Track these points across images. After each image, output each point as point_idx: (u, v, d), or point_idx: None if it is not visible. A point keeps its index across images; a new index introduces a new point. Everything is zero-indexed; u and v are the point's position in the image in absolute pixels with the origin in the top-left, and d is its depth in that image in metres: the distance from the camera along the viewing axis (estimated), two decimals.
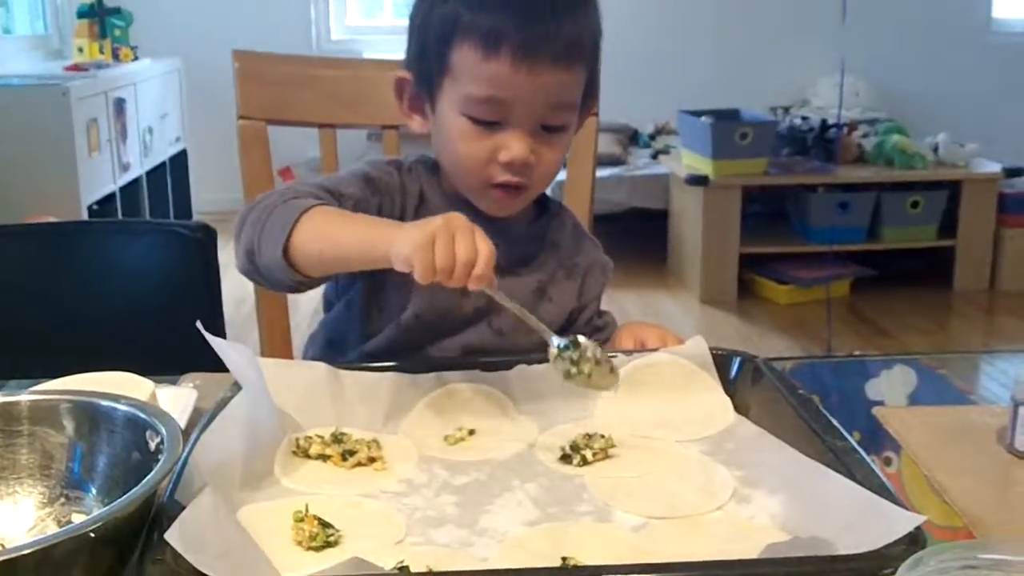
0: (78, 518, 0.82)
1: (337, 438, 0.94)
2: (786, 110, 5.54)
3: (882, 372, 1.30)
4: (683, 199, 4.64)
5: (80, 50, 4.96)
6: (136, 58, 5.12)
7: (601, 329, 1.31)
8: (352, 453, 0.92)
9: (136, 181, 4.71)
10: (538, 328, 1.00)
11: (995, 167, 4.49)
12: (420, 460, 0.94)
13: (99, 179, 4.25)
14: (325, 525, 0.80)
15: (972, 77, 5.75)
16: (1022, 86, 5.73)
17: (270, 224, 1.06)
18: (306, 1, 5.82)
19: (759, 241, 4.48)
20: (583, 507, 0.86)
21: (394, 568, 0.72)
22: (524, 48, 1.08)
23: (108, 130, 4.34)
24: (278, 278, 1.08)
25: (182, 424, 0.92)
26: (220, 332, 1.32)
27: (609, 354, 1.08)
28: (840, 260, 4.41)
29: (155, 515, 0.74)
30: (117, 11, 5.16)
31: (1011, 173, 4.46)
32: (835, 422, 0.88)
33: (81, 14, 5.06)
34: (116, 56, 5.02)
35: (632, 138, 5.54)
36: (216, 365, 1.04)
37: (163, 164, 5.12)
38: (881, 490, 0.76)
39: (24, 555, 0.65)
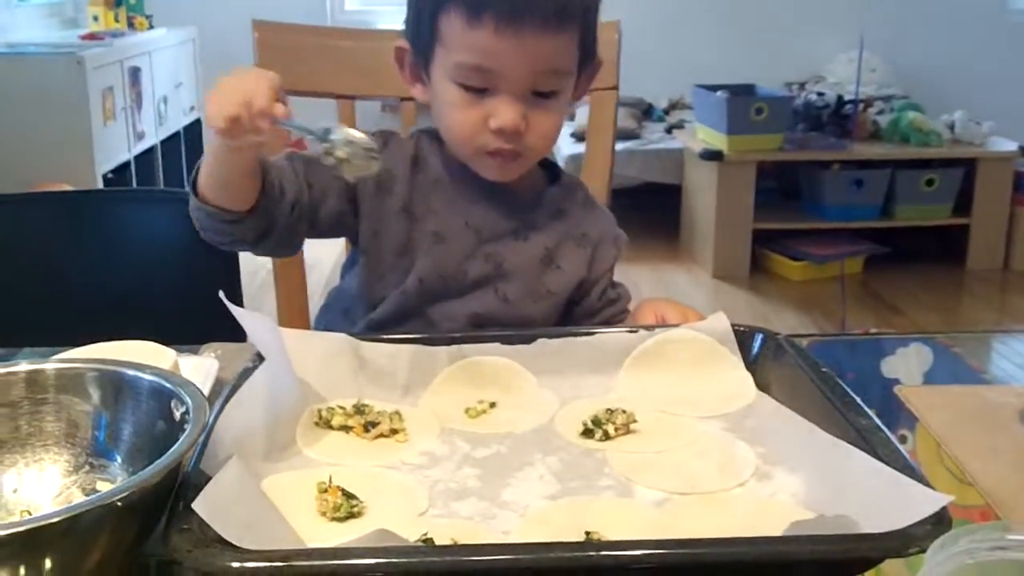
0: (103, 486, 0.83)
1: (359, 409, 0.95)
2: (801, 86, 5.51)
3: (898, 350, 1.30)
4: (697, 174, 4.63)
5: (95, 18, 4.95)
6: (151, 27, 5.11)
7: (615, 301, 1.31)
8: (374, 424, 0.92)
9: (151, 150, 4.71)
10: (304, 127, 1.01)
11: (1011, 146, 4.47)
12: (441, 432, 0.94)
13: (114, 148, 4.25)
14: (349, 496, 0.80)
15: (989, 55, 5.70)
16: None
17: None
18: None
19: (772, 217, 4.47)
20: (604, 482, 0.86)
21: (418, 540, 0.73)
22: (507, 15, 1.08)
23: (123, 99, 4.33)
24: (204, 224, 1.11)
25: (204, 393, 0.92)
26: (238, 301, 1.33)
27: (628, 327, 1.08)
28: (853, 237, 4.40)
29: (180, 484, 0.74)
30: None
31: None
32: (858, 400, 0.88)
33: None
34: (131, 25, 5.01)
35: (646, 112, 5.51)
36: (233, 334, 1.04)
37: (177, 133, 5.12)
38: (905, 469, 0.75)
39: (52, 523, 0.65)
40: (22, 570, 0.66)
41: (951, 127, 4.54)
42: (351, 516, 0.79)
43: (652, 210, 5.03)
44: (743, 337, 1.05)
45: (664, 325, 1.08)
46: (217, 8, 5.47)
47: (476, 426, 0.96)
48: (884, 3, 5.17)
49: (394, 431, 0.93)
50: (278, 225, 1.13)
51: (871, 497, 0.75)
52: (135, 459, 0.82)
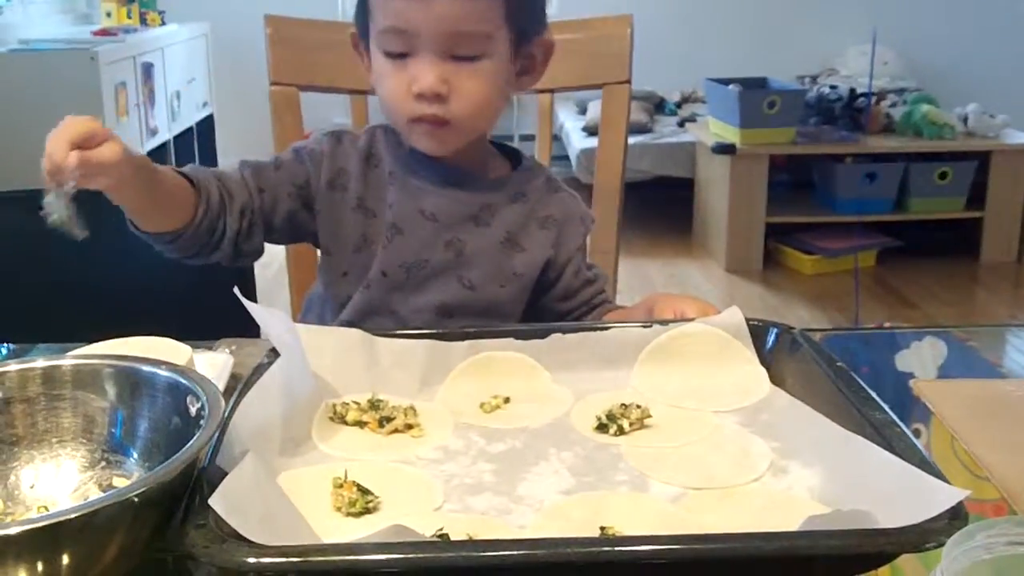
0: (119, 482, 0.83)
1: (374, 404, 0.95)
2: (814, 79, 5.49)
3: (912, 344, 1.30)
4: (709, 167, 4.62)
5: (108, 14, 4.97)
6: (163, 23, 5.13)
7: (592, 281, 1.31)
8: (389, 420, 0.93)
9: (164, 145, 4.72)
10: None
11: None
12: (456, 427, 0.94)
13: (127, 143, 4.25)
14: (364, 491, 0.80)
15: (1003, 47, 5.68)
16: None
17: None
18: None
19: (785, 210, 4.46)
20: (619, 476, 0.86)
21: (434, 535, 0.73)
22: None
23: (136, 94, 4.35)
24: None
25: (219, 389, 0.93)
26: (251, 296, 1.33)
27: (645, 323, 1.07)
28: (867, 231, 4.38)
29: (196, 480, 0.74)
30: None
31: None
32: (873, 394, 0.88)
33: None
34: (143, 20, 5.03)
35: (658, 106, 5.51)
36: (248, 329, 1.05)
37: (190, 129, 5.14)
38: (922, 464, 0.75)
39: (69, 519, 0.65)
40: (39, 566, 0.66)
41: (964, 120, 4.52)
42: (366, 511, 0.79)
43: (664, 204, 5.03)
44: (757, 331, 1.05)
45: (680, 320, 1.08)
46: (229, 3, 5.48)
47: (491, 421, 0.96)
48: None
49: (409, 426, 0.93)
50: (228, 233, 1.16)
51: (887, 492, 0.74)
52: (151, 455, 0.83)
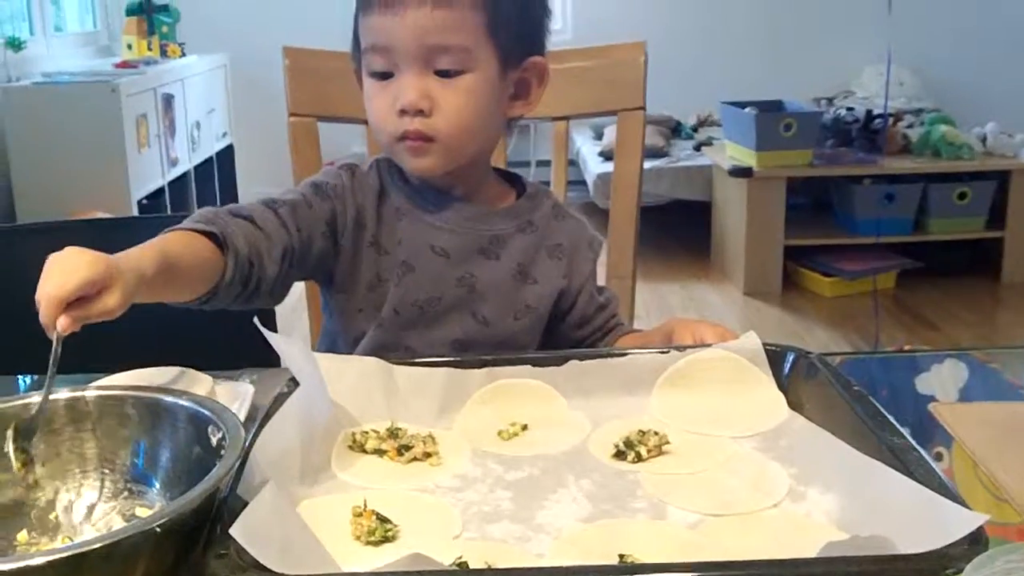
0: (141, 511, 0.84)
1: (393, 433, 0.95)
2: (830, 101, 5.50)
3: (932, 366, 1.29)
4: (726, 191, 4.62)
5: (129, 47, 5.03)
6: (183, 54, 5.18)
7: (605, 306, 1.31)
8: (408, 448, 0.93)
9: (184, 176, 4.77)
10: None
11: None
12: (474, 455, 0.95)
13: (148, 174, 4.30)
14: (383, 520, 0.80)
15: (1020, 66, 5.66)
16: None
17: None
18: None
19: (803, 233, 4.45)
20: (638, 503, 0.86)
21: (453, 564, 0.73)
22: None
23: (157, 125, 4.39)
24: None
25: (240, 419, 0.94)
26: (271, 326, 1.34)
27: (662, 348, 1.07)
28: (886, 252, 4.37)
29: (217, 509, 0.75)
30: (165, 8, 5.22)
31: None
32: (891, 419, 0.88)
33: (130, 11, 5.13)
34: (164, 52, 5.09)
35: (674, 130, 5.52)
36: (268, 358, 1.05)
37: (210, 159, 5.19)
38: (940, 488, 0.75)
39: (92, 549, 0.66)
40: None
41: (983, 139, 4.51)
42: (386, 540, 0.79)
43: (682, 227, 5.03)
44: (775, 356, 1.05)
45: (699, 345, 1.08)
46: (248, 35, 5.53)
47: (509, 448, 0.96)
48: (912, 16, 5.15)
49: (427, 454, 0.94)
50: (266, 279, 1.11)
51: (906, 517, 0.74)
52: (173, 485, 0.83)
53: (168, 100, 4.57)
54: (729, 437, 0.97)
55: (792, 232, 4.40)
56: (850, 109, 4.81)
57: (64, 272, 0.84)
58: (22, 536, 0.83)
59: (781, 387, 1.03)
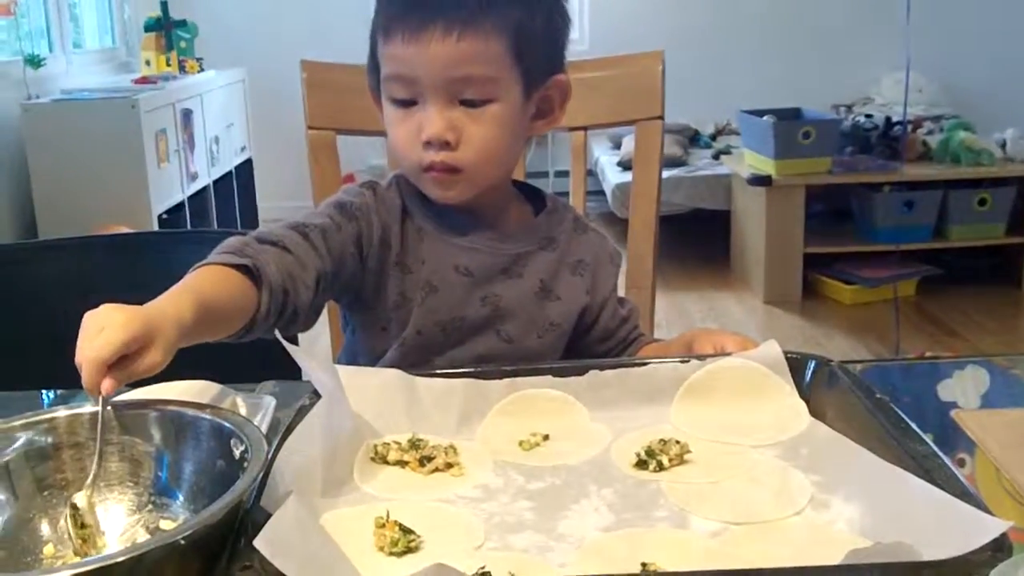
0: (166, 524, 0.85)
1: (414, 444, 0.95)
2: (849, 108, 5.48)
3: (954, 373, 1.28)
4: (745, 199, 4.61)
5: (147, 63, 5.07)
6: (201, 69, 5.22)
7: (627, 319, 1.30)
8: (430, 459, 0.93)
9: (204, 190, 4.80)
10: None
11: None
12: (496, 465, 0.95)
13: (168, 189, 4.33)
14: (406, 531, 0.81)
15: None
16: None
17: None
18: (367, 9, 5.86)
19: (823, 241, 4.44)
20: (659, 513, 0.86)
21: (476, 574, 0.73)
22: (410, 23, 1.11)
23: (176, 140, 4.42)
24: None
25: (262, 431, 0.94)
26: (292, 339, 1.34)
27: (682, 358, 1.07)
28: (906, 259, 4.35)
29: (241, 522, 0.75)
30: (182, 23, 5.26)
31: None
32: (914, 426, 0.88)
33: (148, 27, 5.17)
34: (182, 68, 5.12)
35: (693, 139, 5.52)
36: (289, 371, 1.06)
37: (229, 173, 5.22)
38: (964, 495, 0.75)
39: (117, 563, 0.67)
40: None
41: (1003, 145, 4.48)
42: (408, 551, 0.80)
43: (701, 237, 5.02)
44: (795, 364, 1.05)
45: (720, 355, 1.08)
46: (265, 49, 5.57)
47: (530, 459, 0.96)
48: (930, 22, 5.13)
49: (449, 465, 0.94)
50: (301, 306, 1.09)
51: (929, 524, 0.74)
52: (197, 498, 0.84)
53: (187, 115, 4.60)
54: (751, 446, 0.97)
55: (812, 240, 4.38)
56: (869, 116, 4.79)
57: (103, 334, 0.82)
58: (48, 550, 0.83)
59: (802, 395, 1.02)
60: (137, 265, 1.71)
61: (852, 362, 1.11)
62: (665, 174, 1.72)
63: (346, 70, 1.64)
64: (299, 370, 0.98)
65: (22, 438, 0.87)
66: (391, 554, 0.79)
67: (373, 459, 0.95)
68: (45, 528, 0.85)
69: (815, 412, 1.00)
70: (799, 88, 5.40)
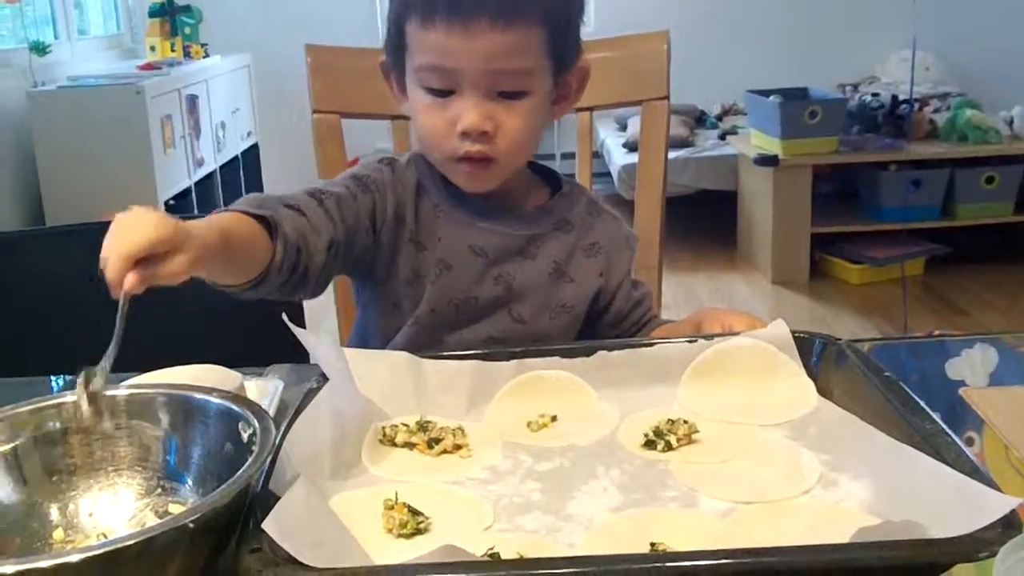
0: (174, 508, 0.85)
1: (423, 426, 0.96)
2: (855, 87, 5.46)
3: (962, 351, 1.28)
4: (752, 180, 4.60)
5: (152, 48, 5.06)
6: (206, 55, 5.22)
7: (641, 302, 1.30)
8: (438, 441, 0.93)
9: (210, 176, 4.79)
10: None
11: None
12: (504, 447, 0.95)
13: (174, 175, 4.33)
14: (415, 513, 0.81)
15: None
16: None
17: None
18: None
19: (830, 221, 4.43)
20: (668, 493, 0.86)
21: (485, 555, 0.73)
22: (457, 13, 1.09)
23: (182, 127, 4.42)
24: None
25: (270, 415, 0.94)
26: (300, 322, 1.35)
27: (690, 338, 1.07)
28: (913, 238, 4.34)
29: (250, 505, 0.75)
30: (187, 9, 5.25)
31: None
32: (923, 404, 0.87)
33: (152, 13, 5.17)
34: (187, 54, 5.12)
35: (699, 119, 5.50)
36: (297, 355, 1.06)
37: (236, 158, 5.21)
38: (973, 473, 0.75)
39: (127, 546, 0.67)
40: None
41: (1010, 123, 4.46)
42: (417, 532, 0.80)
43: (708, 217, 5.01)
44: (804, 344, 1.04)
45: (728, 334, 1.08)
46: (270, 34, 5.56)
47: (538, 440, 0.96)
48: (936, 0, 5.11)
49: (457, 447, 0.94)
50: (312, 268, 1.10)
51: (938, 502, 0.74)
52: (205, 481, 0.84)
53: (192, 101, 4.59)
54: (759, 425, 0.97)
55: (819, 220, 4.37)
56: (875, 95, 4.77)
57: (133, 230, 0.83)
58: (58, 534, 0.84)
59: (811, 375, 1.02)
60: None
61: (860, 340, 1.11)
62: (671, 155, 1.72)
63: (351, 54, 1.63)
64: (307, 354, 0.99)
65: (31, 424, 0.87)
66: (400, 536, 0.79)
67: (381, 441, 0.95)
68: (54, 513, 0.85)
69: (823, 391, 1.00)
70: (805, 68, 5.38)
